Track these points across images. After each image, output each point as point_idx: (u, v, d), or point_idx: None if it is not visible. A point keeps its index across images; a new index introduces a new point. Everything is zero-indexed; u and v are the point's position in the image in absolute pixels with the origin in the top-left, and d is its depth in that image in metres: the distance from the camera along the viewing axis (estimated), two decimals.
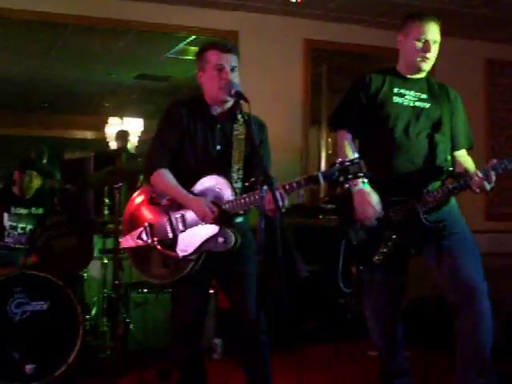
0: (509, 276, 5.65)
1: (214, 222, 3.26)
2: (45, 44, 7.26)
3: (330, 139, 7.37)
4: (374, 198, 3.56)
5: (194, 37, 6.72)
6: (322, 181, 3.14)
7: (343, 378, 4.76)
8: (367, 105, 3.75)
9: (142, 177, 5.04)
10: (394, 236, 3.59)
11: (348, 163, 3.09)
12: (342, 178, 3.11)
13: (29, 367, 4.34)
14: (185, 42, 7.06)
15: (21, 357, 4.33)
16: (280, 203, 3.06)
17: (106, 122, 10.87)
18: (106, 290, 5.20)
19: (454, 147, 3.81)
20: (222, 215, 3.26)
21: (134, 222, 3.52)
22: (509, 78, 7.56)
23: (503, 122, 7.50)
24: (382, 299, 3.87)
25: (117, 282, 5.07)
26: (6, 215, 4.96)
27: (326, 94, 7.24)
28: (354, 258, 3.76)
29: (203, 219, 3.28)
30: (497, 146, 7.38)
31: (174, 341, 3.59)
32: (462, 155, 3.84)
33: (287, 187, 3.16)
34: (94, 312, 5.23)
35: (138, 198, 3.58)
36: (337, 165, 3.11)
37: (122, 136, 8.07)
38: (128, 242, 3.52)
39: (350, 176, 3.10)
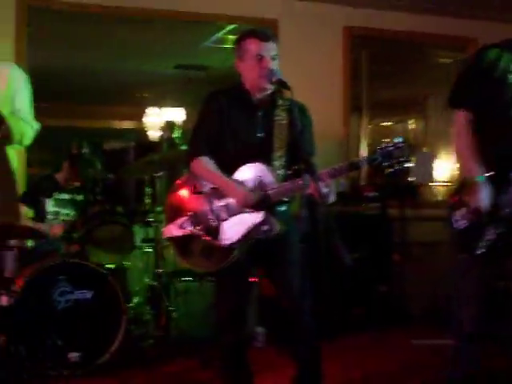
0: None
1: (255, 207, 3.25)
2: (86, 36, 7.30)
3: (369, 127, 7.34)
4: (487, 191, 3.48)
5: (233, 25, 6.71)
6: (364, 165, 3.11)
7: (387, 367, 4.74)
8: (492, 81, 3.51)
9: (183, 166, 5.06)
10: (500, 229, 3.48)
11: (391, 147, 3.05)
12: (385, 163, 3.08)
13: (73, 355, 4.38)
14: (224, 31, 7.05)
15: (65, 345, 4.36)
16: (323, 190, 3.03)
17: (145, 112, 10.93)
18: (148, 279, 5.22)
19: None
20: (263, 201, 3.24)
21: (177, 211, 3.51)
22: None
23: None
24: (477, 291, 3.74)
25: (159, 270, 5.09)
26: (48, 201, 4.98)
27: (365, 80, 7.19)
28: (455, 246, 3.67)
29: (244, 204, 3.27)
30: None
31: (218, 329, 3.59)
32: None
33: (330, 173, 3.13)
34: (136, 301, 5.26)
35: (181, 187, 3.57)
36: (380, 149, 3.08)
37: (169, 126, 8.07)
38: (171, 231, 3.51)
39: (393, 160, 3.06)
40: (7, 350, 4.36)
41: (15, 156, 3.88)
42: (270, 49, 3.33)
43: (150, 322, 5.16)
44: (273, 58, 3.33)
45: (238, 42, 3.44)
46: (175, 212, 3.52)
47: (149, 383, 4.40)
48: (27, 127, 3.74)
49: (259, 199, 3.24)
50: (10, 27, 5.44)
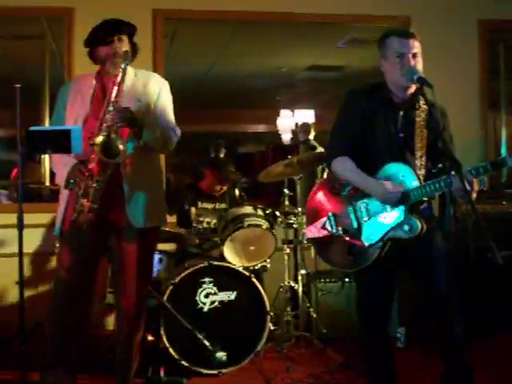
0: None
1: (397, 204, 3.23)
2: (219, 41, 7.47)
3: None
4: None
5: (365, 25, 6.69)
6: (510, 163, 3.04)
7: None
8: None
9: (321, 167, 5.10)
10: None
11: None
12: None
13: (219, 355, 4.49)
14: (355, 31, 7.03)
15: (211, 345, 4.48)
16: (469, 189, 2.99)
17: (278, 115, 11.03)
18: (288, 280, 5.28)
19: None
20: (405, 199, 3.23)
21: (317, 213, 3.55)
22: None
23: None
24: None
25: (299, 272, 5.14)
26: (193, 209, 5.14)
27: (503, 75, 6.99)
28: None
29: (385, 201, 3.26)
30: None
31: (361, 329, 3.60)
32: None
33: (473, 171, 3.08)
34: (277, 302, 5.32)
35: (321, 189, 3.61)
36: None
37: (305, 128, 8.14)
38: (312, 232, 3.56)
39: None
40: (156, 349, 4.54)
41: (160, 162, 4.02)
42: (412, 46, 3.32)
43: (291, 322, 5.21)
44: (414, 56, 3.32)
45: (380, 40, 3.43)
46: (316, 213, 3.57)
47: (292, 382, 4.45)
48: (169, 133, 3.86)
49: (401, 197, 3.23)
50: (149, 39, 5.66)
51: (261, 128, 12.68)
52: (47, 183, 6.34)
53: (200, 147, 9.14)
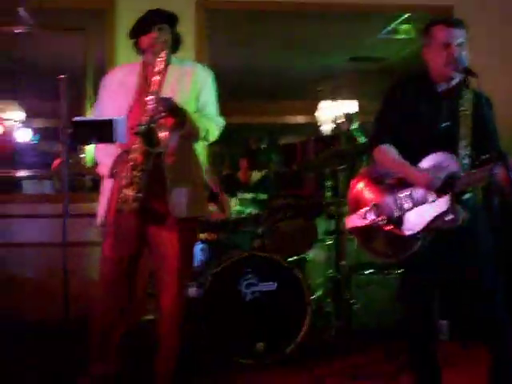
0: None
1: (440, 192, 3.20)
2: (260, 32, 7.46)
3: None
4: None
5: (406, 15, 6.63)
6: None
7: None
8: None
9: (364, 158, 5.06)
10: None
11: None
12: None
13: (260, 345, 4.51)
14: (397, 22, 6.98)
15: (252, 335, 4.49)
16: None
17: (319, 106, 10.98)
18: (329, 271, 5.26)
19: None
20: (448, 187, 3.20)
21: (359, 202, 3.53)
22: None
23: None
24: None
25: (340, 263, 5.13)
26: (233, 200, 5.14)
27: None
28: None
29: (428, 187, 3.23)
30: None
31: (405, 322, 3.58)
32: None
33: None
34: (318, 293, 5.32)
35: (362, 179, 3.59)
36: None
37: (348, 118, 8.10)
38: (353, 222, 3.54)
39: None
40: (196, 340, 4.56)
41: (203, 152, 4.02)
42: (457, 36, 3.28)
43: (332, 313, 5.19)
44: (459, 46, 3.28)
45: (425, 29, 3.40)
46: (357, 203, 3.55)
47: (334, 374, 4.43)
48: (212, 124, 3.86)
49: (444, 184, 3.20)
50: (190, 30, 5.67)
51: (301, 119, 12.66)
52: (88, 173, 6.39)
53: (240, 139, 9.15)
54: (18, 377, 4.26)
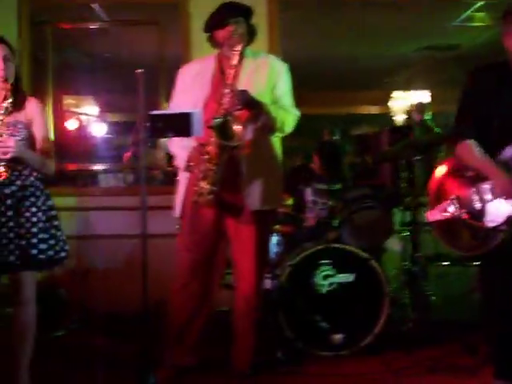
0: None
1: None
2: (332, 22, 7.43)
3: None
4: None
5: (481, 2, 6.51)
6: None
7: None
8: None
9: (440, 149, 4.99)
10: None
11: None
12: None
13: (337, 337, 4.50)
14: (472, 9, 6.86)
15: (329, 327, 4.48)
16: None
17: (391, 96, 10.89)
18: (405, 263, 5.21)
19: None
20: None
21: (440, 196, 3.48)
22: None
23: None
24: None
25: (417, 254, 5.07)
26: (308, 190, 5.12)
27: None
28: None
29: (505, 196, 3.17)
30: None
31: (485, 315, 3.52)
32: None
33: None
34: (394, 285, 5.27)
35: (443, 171, 3.53)
36: None
37: (420, 109, 7.97)
38: (435, 215, 3.49)
39: None
40: (273, 331, 4.57)
41: (278, 144, 4.02)
42: None
43: (408, 305, 5.14)
44: None
45: (505, 16, 3.30)
46: (438, 196, 3.50)
47: (410, 366, 4.39)
48: (287, 115, 3.86)
49: None
50: (263, 21, 5.65)
51: (374, 109, 12.58)
52: (160, 167, 6.49)
53: (313, 130, 9.12)
54: (98, 368, 4.31)
